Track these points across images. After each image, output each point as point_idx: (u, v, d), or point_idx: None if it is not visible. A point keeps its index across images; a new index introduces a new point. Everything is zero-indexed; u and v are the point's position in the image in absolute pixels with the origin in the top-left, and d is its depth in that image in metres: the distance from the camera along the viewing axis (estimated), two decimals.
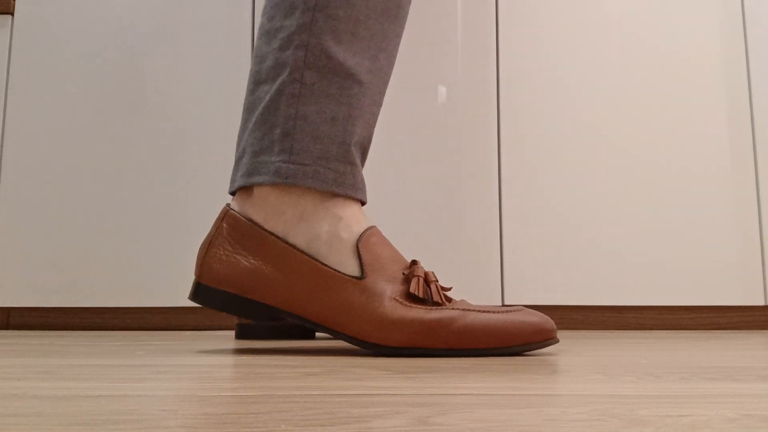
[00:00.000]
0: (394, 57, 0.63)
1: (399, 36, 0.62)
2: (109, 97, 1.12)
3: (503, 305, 1.01)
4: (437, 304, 0.54)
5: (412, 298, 0.54)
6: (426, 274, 0.56)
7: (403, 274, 0.56)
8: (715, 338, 0.82)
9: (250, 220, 0.57)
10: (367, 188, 1.09)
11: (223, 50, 1.13)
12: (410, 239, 1.08)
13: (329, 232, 0.57)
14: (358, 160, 0.59)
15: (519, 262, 1.07)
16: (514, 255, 1.08)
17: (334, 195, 0.58)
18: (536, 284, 1.07)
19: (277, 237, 0.56)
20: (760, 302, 1.07)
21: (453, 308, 0.54)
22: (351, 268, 0.56)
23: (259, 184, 0.58)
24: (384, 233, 1.07)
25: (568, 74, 1.12)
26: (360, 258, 0.56)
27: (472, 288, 1.06)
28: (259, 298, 0.56)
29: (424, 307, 0.54)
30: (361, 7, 0.58)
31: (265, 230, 0.57)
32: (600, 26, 1.14)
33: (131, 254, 1.07)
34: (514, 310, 0.55)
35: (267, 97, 0.58)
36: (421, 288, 0.54)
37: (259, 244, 0.56)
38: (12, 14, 1.13)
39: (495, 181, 1.09)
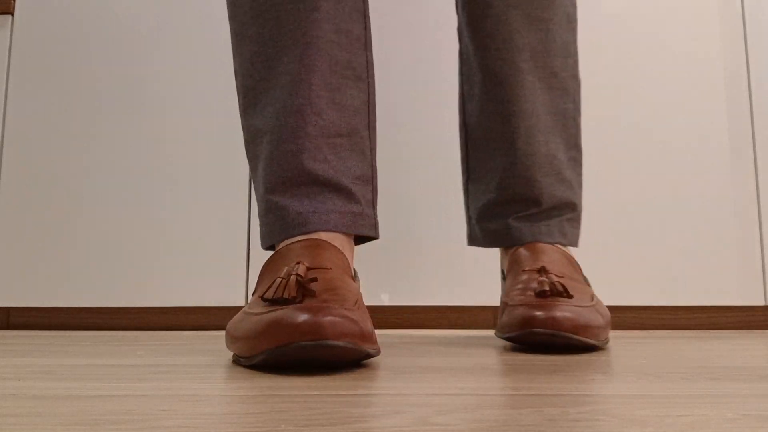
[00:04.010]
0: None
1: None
2: (109, 97, 1.12)
3: None
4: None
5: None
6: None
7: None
8: (715, 338, 0.82)
9: None
10: None
11: (224, 50, 1.13)
12: (412, 239, 1.08)
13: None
14: (282, 203, 0.56)
15: None
16: None
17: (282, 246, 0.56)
18: None
19: None
20: (760, 302, 1.07)
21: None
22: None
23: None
24: (385, 233, 1.07)
25: None
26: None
27: (474, 288, 1.06)
28: None
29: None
30: (248, 73, 0.59)
31: None
32: (600, 26, 1.14)
33: (131, 254, 1.07)
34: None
35: None
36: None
37: None
38: (12, 14, 1.13)
39: None
